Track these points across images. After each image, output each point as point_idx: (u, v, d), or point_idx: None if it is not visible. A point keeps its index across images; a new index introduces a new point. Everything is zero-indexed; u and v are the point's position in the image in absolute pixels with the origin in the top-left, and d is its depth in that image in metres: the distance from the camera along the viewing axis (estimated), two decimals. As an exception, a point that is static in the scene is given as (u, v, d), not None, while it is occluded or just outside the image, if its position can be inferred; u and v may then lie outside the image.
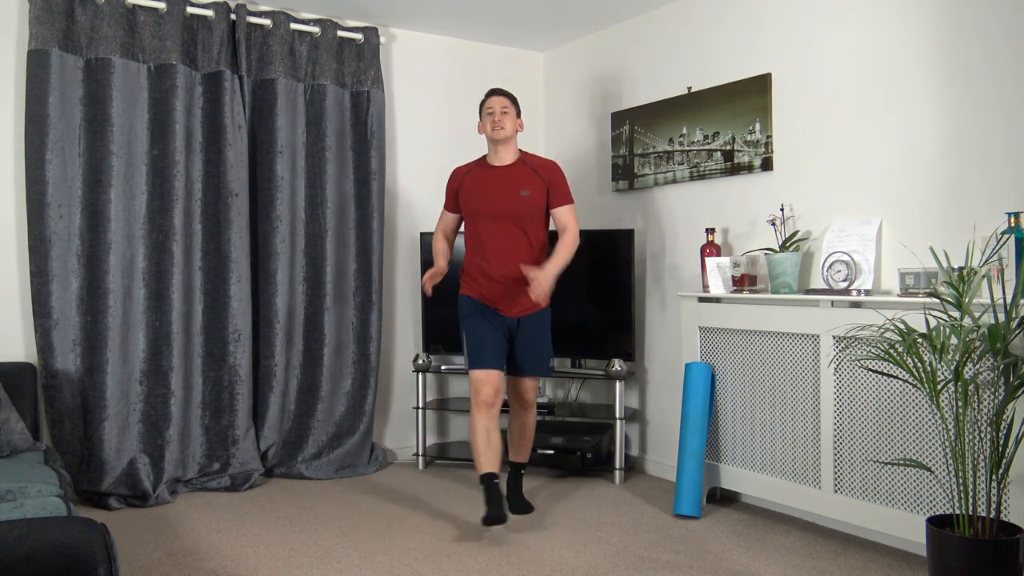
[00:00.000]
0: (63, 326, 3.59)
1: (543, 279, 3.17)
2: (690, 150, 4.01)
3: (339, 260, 4.27)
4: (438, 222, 3.59)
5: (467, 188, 3.43)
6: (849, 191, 3.35)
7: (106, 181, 3.66)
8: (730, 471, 3.54)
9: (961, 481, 2.42)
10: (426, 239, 4.36)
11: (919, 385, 2.48)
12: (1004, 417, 2.41)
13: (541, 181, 3.36)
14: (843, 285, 3.16)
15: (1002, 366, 2.41)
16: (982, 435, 2.47)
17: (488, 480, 3.21)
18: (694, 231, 4.02)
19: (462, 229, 3.55)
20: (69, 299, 3.61)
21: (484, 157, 3.48)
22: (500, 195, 3.35)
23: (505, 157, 3.40)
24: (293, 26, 4.13)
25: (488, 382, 3.25)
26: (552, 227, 3.46)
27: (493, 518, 3.12)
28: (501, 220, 3.35)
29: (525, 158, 3.43)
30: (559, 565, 2.93)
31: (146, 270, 3.78)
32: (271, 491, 3.90)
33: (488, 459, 3.23)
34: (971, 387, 2.45)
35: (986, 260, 2.52)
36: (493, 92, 3.43)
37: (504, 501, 3.19)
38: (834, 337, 3.06)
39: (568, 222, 3.37)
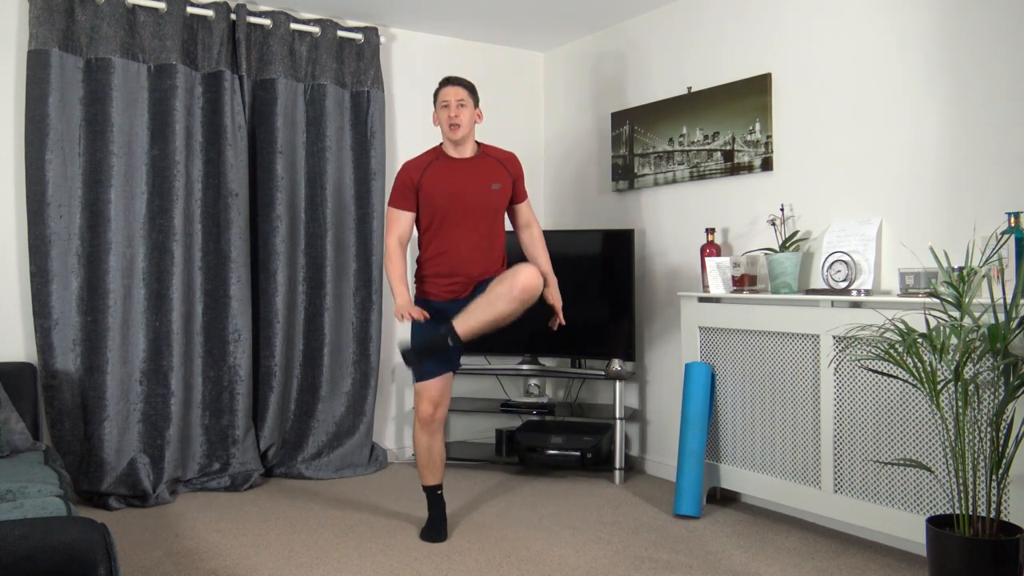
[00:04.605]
0: (63, 326, 3.59)
1: (559, 302, 3.25)
2: (690, 150, 4.01)
3: (339, 260, 4.27)
4: (391, 228, 3.18)
5: (431, 182, 3.14)
6: (849, 191, 3.35)
7: (106, 181, 3.66)
8: (730, 471, 3.53)
9: (961, 481, 2.42)
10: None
11: (919, 385, 2.47)
12: (1004, 417, 2.41)
13: (508, 175, 3.22)
14: (843, 285, 3.16)
15: (1002, 366, 2.41)
16: (982, 435, 2.47)
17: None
18: (694, 231, 4.02)
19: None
20: (69, 299, 3.61)
21: (439, 147, 3.24)
22: (473, 189, 3.14)
23: (465, 150, 3.19)
24: (293, 26, 4.13)
25: (428, 397, 3.22)
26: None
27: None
28: (473, 217, 3.13)
29: (486, 150, 3.25)
30: (559, 565, 2.93)
31: (146, 270, 3.78)
32: (271, 491, 3.90)
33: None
34: (971, 387, 2.45)
35: (986, 260, 2.51)
36: (449, 81, 3.20)
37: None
38: (834, 337, 3.06)
39: (531, 218, 3.36)
